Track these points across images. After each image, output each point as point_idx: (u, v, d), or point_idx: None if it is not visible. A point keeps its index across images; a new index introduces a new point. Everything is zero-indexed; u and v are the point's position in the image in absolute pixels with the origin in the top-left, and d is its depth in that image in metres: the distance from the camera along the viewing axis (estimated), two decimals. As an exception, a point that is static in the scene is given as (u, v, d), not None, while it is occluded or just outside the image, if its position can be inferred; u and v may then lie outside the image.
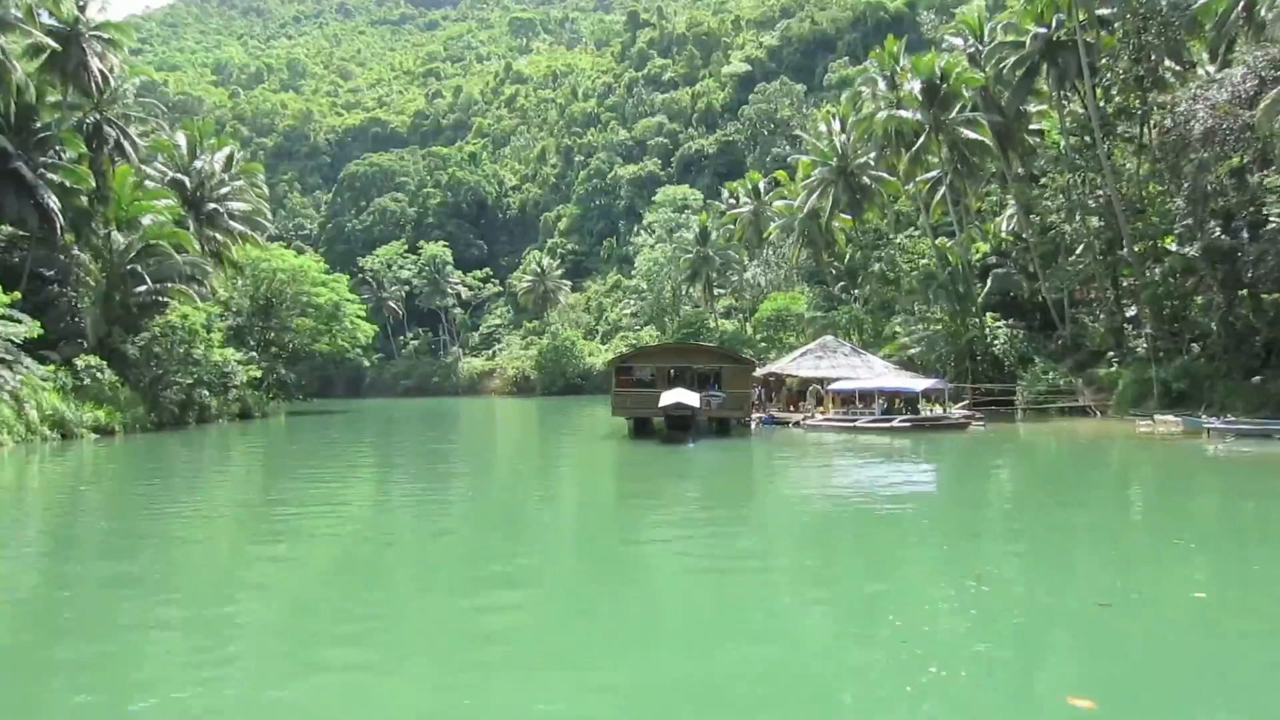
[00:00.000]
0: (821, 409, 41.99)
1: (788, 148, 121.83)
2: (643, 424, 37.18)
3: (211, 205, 54.14)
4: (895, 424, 37.08)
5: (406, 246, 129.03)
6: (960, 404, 41.03)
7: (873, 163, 56.16)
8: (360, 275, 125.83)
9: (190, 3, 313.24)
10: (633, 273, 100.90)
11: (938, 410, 39.20)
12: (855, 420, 38.58)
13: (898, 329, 50.52)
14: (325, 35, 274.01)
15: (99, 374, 40.80)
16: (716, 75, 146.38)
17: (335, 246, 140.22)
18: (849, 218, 62.99)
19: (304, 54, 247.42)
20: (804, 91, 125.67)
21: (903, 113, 45.88)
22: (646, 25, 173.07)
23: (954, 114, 46.09)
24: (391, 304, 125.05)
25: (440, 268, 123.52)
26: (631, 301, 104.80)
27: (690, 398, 33.56)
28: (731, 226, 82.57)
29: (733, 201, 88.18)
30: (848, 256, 62.88)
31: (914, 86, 46.46)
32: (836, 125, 59.01)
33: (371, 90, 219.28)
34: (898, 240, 55.63)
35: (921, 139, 46.52)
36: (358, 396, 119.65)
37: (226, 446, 41.36)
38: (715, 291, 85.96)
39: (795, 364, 43.49)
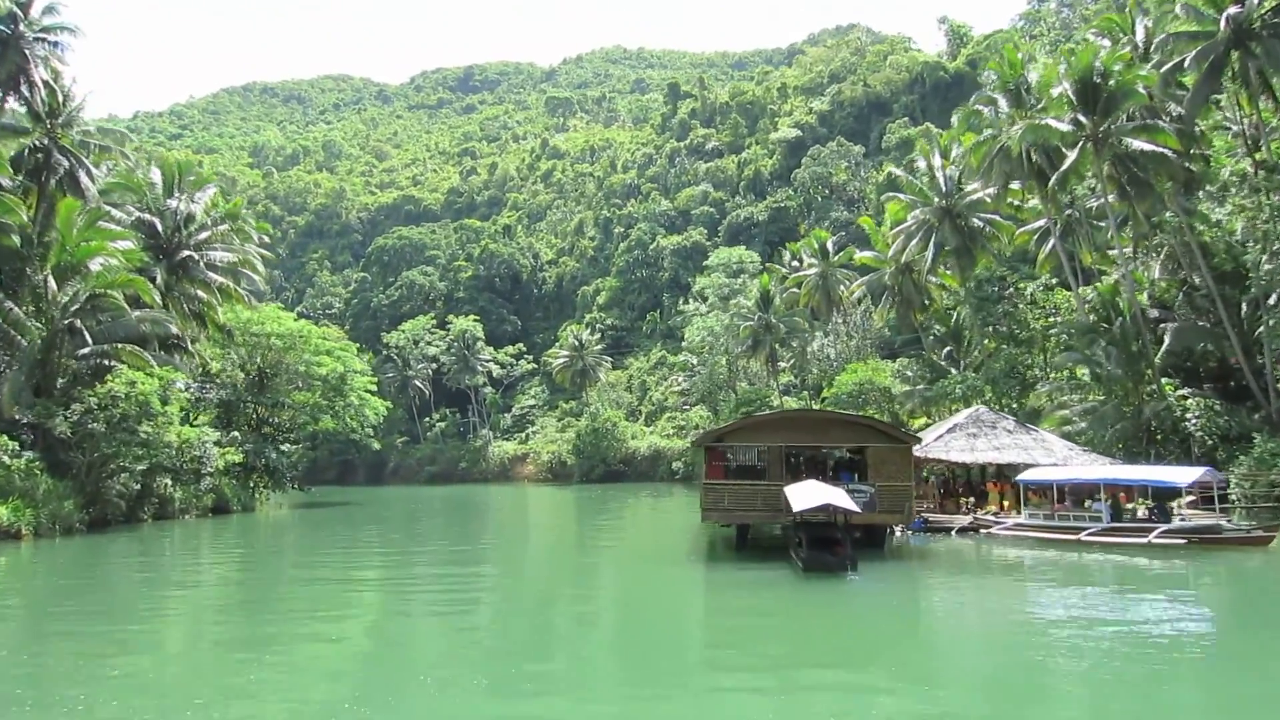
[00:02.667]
0: (1005, 509, 31.59)
1: (845, 212, 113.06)
2: (745, 531, 26.44)
3: (186, 253, 44.73)
4: (1157, 537, 25.90)
5: (435, 322, 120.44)
6: (1183, 500, 29.43)
7: (990, 198, 46.11)
8: (385, 353, 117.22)
9: (234, 92, 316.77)
10: (683, 345, 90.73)
11: (1140, 510, 28.10)
12: (1074, 528, 27.35)
13: (1044, 400, 39.59)
14: (363, 119, 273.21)
15: (4, 457, 30.83)
16: (764, 142, 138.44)
17: (360, 323, 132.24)
18: (948, 273, 52.59)
19: (340, 137, 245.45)
20: (861, 154, 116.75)
21: (1051, 122, 35.78)
22: (688, 96, 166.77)
23: (1119, 121, 35.94)
24: (418, 383, 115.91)
25: (470, 344, 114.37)
26: (680, 379, 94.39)
27: (839, 497, 22.34)
28: (796, 290, 72.36)
29: (795, 264, 78.18)
30: (954, 316, 52.36)
31: (1063, 88, 36.40)
32: (938, 160, 48.97)
33: (406, 170, 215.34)
34: (1028, 290, 44.97)
35: (1074, 155, 36.28)
36: (378, 484, 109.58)
37: (162, 556, 31.04)
38: (778, 365, 75.35)
39: (943, 444, 32.42)
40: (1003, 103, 41.75)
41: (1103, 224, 42.88)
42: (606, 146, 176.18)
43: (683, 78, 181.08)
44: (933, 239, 48.58)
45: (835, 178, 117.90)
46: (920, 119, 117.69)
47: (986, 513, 31.65)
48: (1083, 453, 31.97)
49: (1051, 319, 42.25)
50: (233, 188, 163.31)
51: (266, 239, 60.12)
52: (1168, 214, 37.65)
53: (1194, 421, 33.22)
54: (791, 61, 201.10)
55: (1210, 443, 32.85)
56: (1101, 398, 36.43)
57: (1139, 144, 35.01)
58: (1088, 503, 28.13)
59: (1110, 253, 46.23)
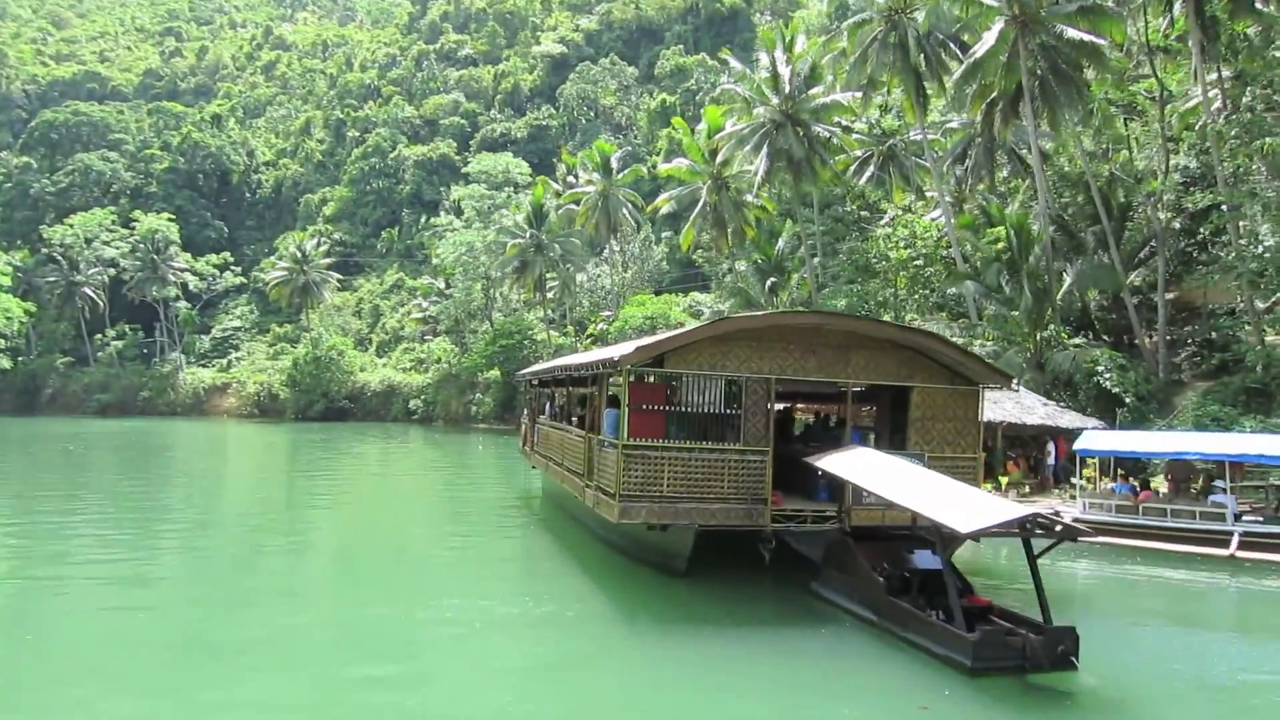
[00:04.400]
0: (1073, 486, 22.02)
1: (613, 138, 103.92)
2: (700, 543, 14.40)
3: None
4: None
5: (116, 218, 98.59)
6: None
7: (847, 103, 38.30)
8: (46, 251, 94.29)
9: None
10: (433, 264, 77.78)
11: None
12: (1185, 531, 18.34)
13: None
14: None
15: None
16: (525, 56, 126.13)
17: (15, 213, 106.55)
18: (770, 198, 44.75)
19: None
20: (635, 77, 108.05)
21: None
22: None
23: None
24: (89, 291, 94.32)
25: (162, 248, 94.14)
26: (424, 304, 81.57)
27: (939, 490, 12.09)
28: (574, 207, 62.30)
29: (572, 180, 68.07)
30: (778, 243, 44.48)
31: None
32: (781, 54, 40.13)
33: (93, 44, 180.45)
34: (889, 214, 37.64)
35: (993, 39, 28.73)
36: (31, 414, 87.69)
37: None
38: (547, 293, 65.07)
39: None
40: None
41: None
42: (342, 43, 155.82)
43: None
44: (765, 148, 40.13)
45: (603, 100, 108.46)
46: (694, 49, 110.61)
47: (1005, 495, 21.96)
48: (1063, 411, 24.75)
49: (907, 250, 35.14)
50: None
51: None
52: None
53: (1107, 376, 26.98)
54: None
55: (1130, 401, 26.76)
56: (990, 343, 29.67)
57: (1074, 32, 27.93)
58: (1196, 489, 19.76)
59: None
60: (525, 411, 27.29)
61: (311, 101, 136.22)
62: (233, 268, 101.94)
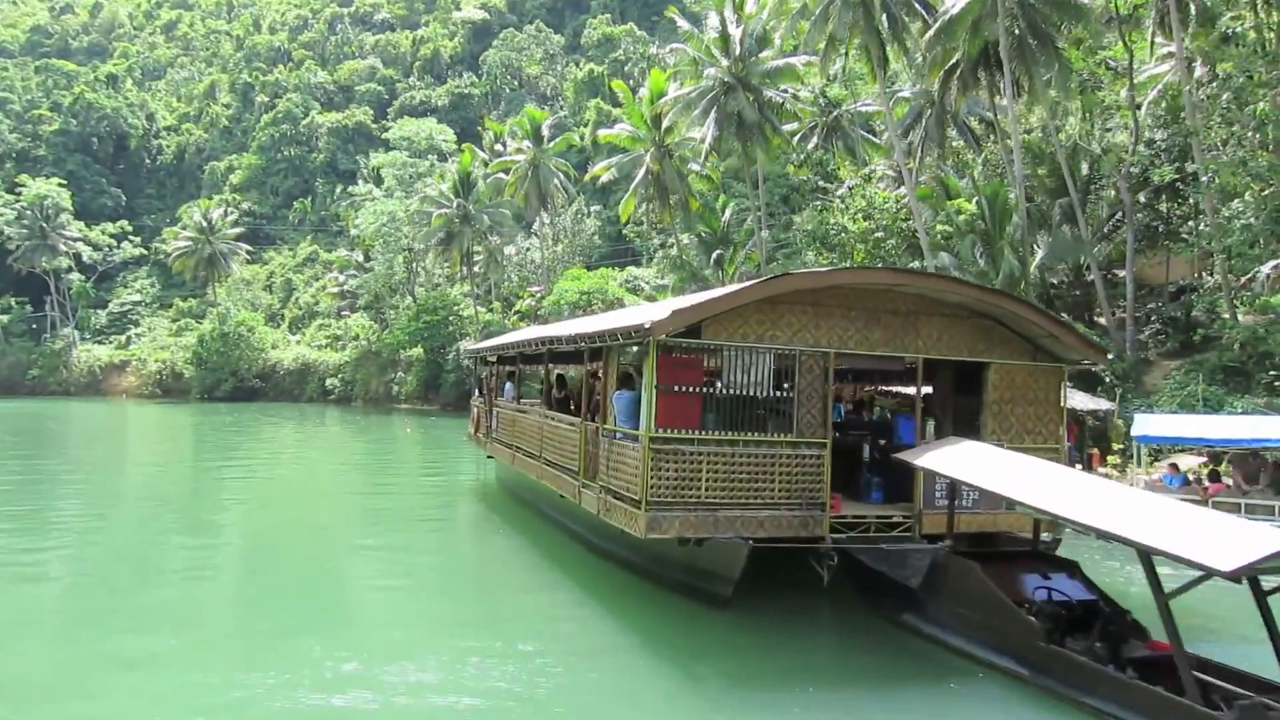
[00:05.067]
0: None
1: (538, 109, 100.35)
2: (738, 563, 11.00)
3: None
4: None
5: (0, 183, 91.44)
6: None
7: (802, 65, 36.45)
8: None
9: None
10: (352, 235, 73.56)
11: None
12: None
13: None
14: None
15: None
16: (445, 21, 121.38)
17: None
18: (714, 167, 42.73)
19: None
20: (561, 45, 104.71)
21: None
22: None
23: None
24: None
25: (52, 215, 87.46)
26: (341, 277, 77.41)
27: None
28: (504, 176, 59.33)
29: (500, 148, 64.97)
30: (726, 214, 42.31)
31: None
32: (731, 13, 37.81)
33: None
34: (847, 183, 35.87)
35: (965, 1, 27.00)
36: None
37: None
38: (474, 267, 61.94)
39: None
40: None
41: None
42: (249, 3, 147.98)
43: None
44: (713, 113, 37.94)
45: (528, 69, 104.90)
46: (620, 19, 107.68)
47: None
48: (1071, 390, 23.26)
49: (866, 221, 33.45)
50: None
51: None
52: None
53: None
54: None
55: (1109, 380, 25.58)
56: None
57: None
58: (1265, 482, 16.81)
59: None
60: (476, 393, 24.22)
61: (216, 64, 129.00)
62: (131, 238, 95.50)
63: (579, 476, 13.48)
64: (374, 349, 66.82)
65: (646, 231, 66.73)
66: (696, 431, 11.03)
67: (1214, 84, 26.71)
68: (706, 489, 10.92)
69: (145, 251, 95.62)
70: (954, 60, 32.83)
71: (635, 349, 12.32)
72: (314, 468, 31.19)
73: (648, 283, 52.15)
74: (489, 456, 21.83)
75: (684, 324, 10.67)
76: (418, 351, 61.22)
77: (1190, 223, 30.57)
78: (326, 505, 22.32)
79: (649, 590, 12.86)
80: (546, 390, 17.52)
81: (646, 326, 10.40)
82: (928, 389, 13.11)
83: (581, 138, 73.94)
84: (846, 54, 33.83)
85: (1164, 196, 31.13)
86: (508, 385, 19.89)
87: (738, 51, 37.50)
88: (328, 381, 70.69)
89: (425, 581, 14.61)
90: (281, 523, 19.54)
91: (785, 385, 11.46)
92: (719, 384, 11.37)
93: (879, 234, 32.42)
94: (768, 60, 37.62)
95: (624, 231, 70.26)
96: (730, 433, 11.15)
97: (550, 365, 17.44)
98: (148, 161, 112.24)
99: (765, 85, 37.76)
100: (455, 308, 61.41)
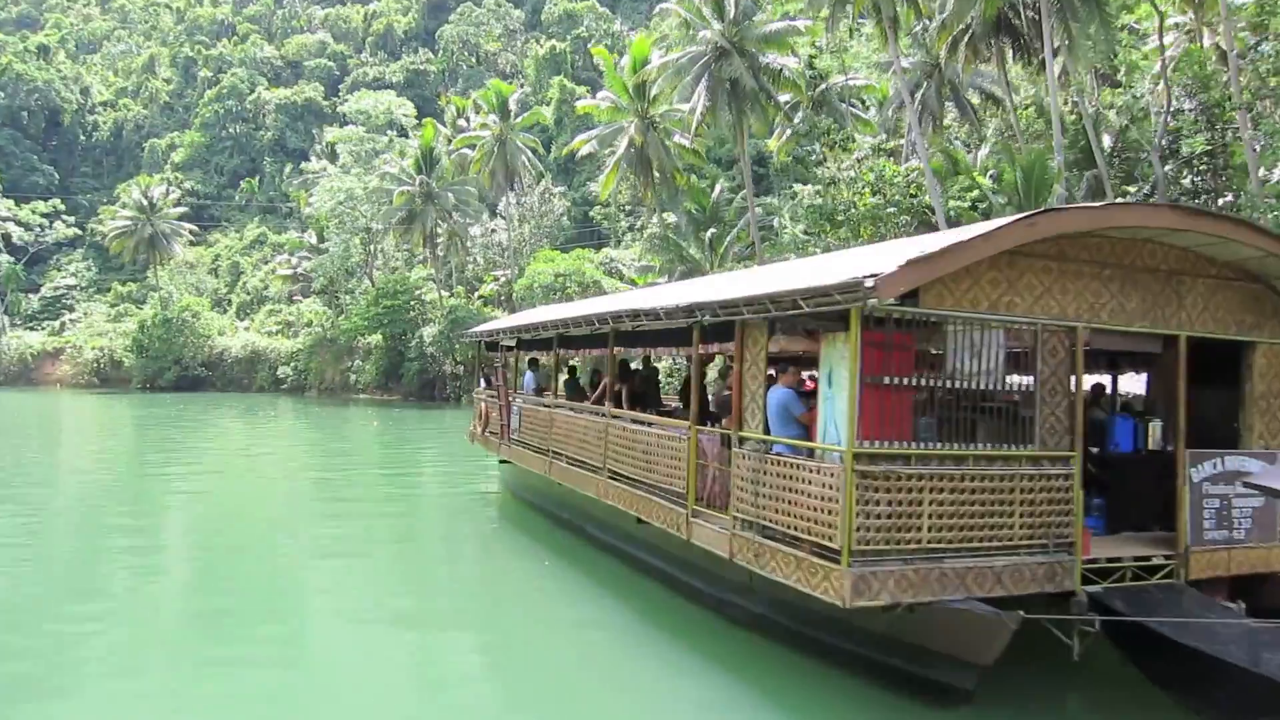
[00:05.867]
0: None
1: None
2: (1002, 634, 7.23)
3: None
4: None
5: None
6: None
7: (805, 29, 33.85)
8: None
9: None
10: (308, 212, 69.43)
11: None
12: None
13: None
14: None
15: None
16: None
17: None
18: (703, 140, 40.01)
19: None
20: (521, 20, 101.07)
21: None
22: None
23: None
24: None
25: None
26: (294, 260, 73.32)
27: None
28: (470, 151, 55.99)
29: (463, 124, 61.59)
30: (715, 191, 39.59)
31: None
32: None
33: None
34: (855, 155, 33.32)
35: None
36: None
37: None
38: (438, 249, 58.50)
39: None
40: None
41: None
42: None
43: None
44: (705, 79, 35.14)
45: (486, 45, 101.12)
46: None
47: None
48: None
49: (876, 197, 31.00)
50: None
51: None
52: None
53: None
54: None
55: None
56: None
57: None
58: None
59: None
60: (482, 384, 20.22)
61: (155, 38, 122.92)
62: (64, 217, 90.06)
63: (686, 502, 9.97)
64: (329, 335, 63.16)
65: (613, 212, 63.88)
66: (910, 444, 7.58)
67: (1262, 43, 24.59)
68: (930, 530, 7.45)
69: (80, 233, 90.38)
70: (964, 25, 30.67)
71: (713, 326, 9.34)
72: (278, 467, 27.91)
73: (626, 265, 49.29)
74: (502, 461, 18.21)
75: (913, 283, 7.21)
76: (377, 338, 57.76)
77: (1221, 199, 28.57)
78: (287, 520, 19.00)
79: (814, 669, 8.86)
80: (609, 382, 13.23)
81: (869, 284, 6.73)
82: (1126, 377, 10.13)
83: (547, 115, 70.71)
84: (854, 13, 31.23)
85: (1195, 166, 29.09)
86: (528, 375, 16.56)
87: (732, 14, 34.73)
88: (279, 370, 66.82)
89: (465, 671, 9.75)
90: (231, 560, 14.77)
91: (1028, 362, 8.12)
92: (951, 363, 7.83)
93: (891, 210, 29.97)
94: (761, 24, 34.90)
95: (590, 213, 67.36)
96: (956, 446, 7.72)
97: (615, 349, 13.08)
98: (83, 138, 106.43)
99: (761, 51, 35.04)
100: (418, 292, 57.99)
